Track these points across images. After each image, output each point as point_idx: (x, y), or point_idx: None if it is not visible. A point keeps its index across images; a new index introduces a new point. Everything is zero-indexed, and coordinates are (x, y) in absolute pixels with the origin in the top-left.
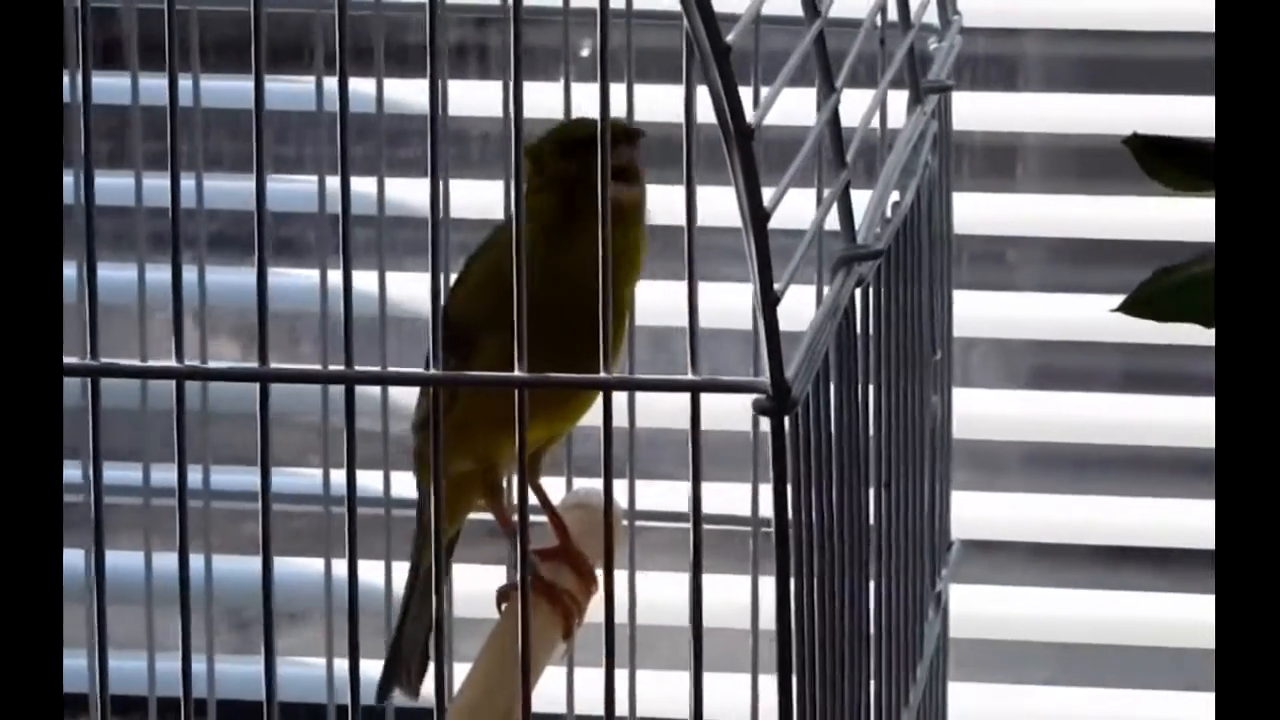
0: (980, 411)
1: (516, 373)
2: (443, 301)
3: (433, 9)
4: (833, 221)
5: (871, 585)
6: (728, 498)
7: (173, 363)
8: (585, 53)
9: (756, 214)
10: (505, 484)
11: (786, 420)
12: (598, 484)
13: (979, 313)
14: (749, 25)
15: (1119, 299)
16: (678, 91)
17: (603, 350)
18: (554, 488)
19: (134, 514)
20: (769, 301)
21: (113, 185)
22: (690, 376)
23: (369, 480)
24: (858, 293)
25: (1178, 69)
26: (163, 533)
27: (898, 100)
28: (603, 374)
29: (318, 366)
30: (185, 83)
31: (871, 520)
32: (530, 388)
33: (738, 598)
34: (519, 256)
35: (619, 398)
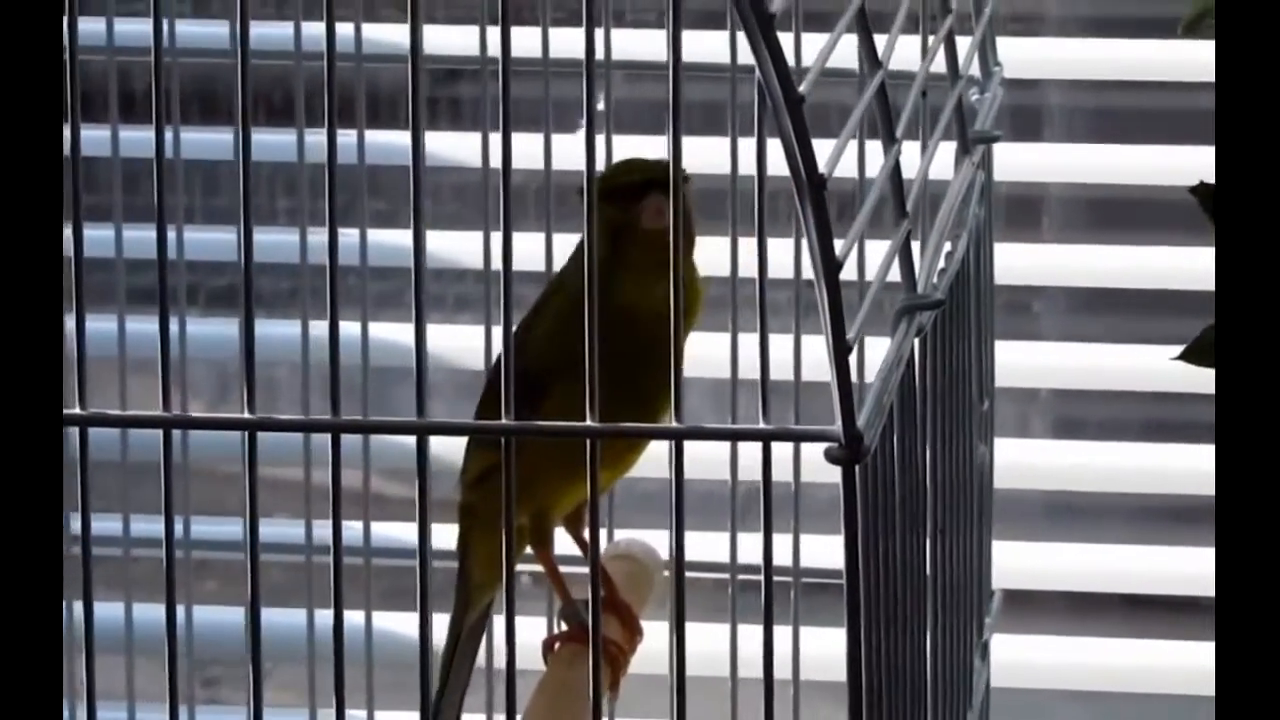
0: (1004, 461)
1: (589, 422)
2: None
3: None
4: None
5: (928, 635)
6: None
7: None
8: (601, 105)
9: (829, 264)
10: (554, 535)
11: (858, 469)
12: (639, 534)
13: (1003, 362)
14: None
15: (1145, 349)
16: (723, 144)
17: (675, 399)
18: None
19: (113, 566)
20: (841, 351)
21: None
22: (762, 426)
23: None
24: (916, 342)
25: (1201, 119)
26: (139, 584)
27: (940, 150)
28: (673, 423)
29: (389, 417)
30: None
31: (928, 569)
32: (602, 438)
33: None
34: (591, 303)
35: (661, 447)
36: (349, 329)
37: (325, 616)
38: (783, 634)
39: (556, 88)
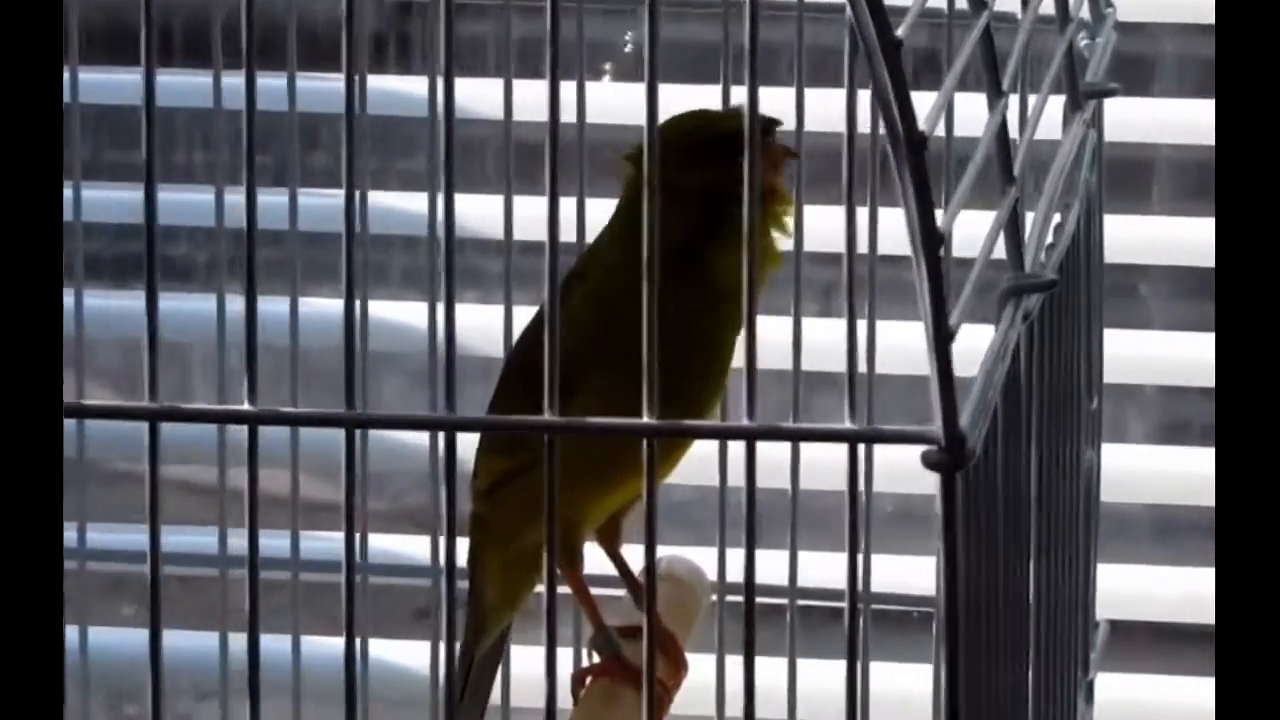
0: (1104, 468)
1: (645, 419)
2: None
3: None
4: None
5: (1030, 672)
6: (827, 566)
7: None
8: (629, 48)
9: (930, 239)
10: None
11: (959, 477)
12: (682, 551)
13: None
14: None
15: None
16: (782, 95)
17: (748, 392)
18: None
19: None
20: (943, 339)
21: None
22: (848, 425)
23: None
24: (1022, 329)
25: None
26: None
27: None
28: (745, 422)
29: (419, 411)
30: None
31: (1031, 595)
32: (661, 437)
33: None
34: (651, 281)
35: (705, 448)
36: (276, 306)
37: (312, 643)
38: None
39: (570, 27)
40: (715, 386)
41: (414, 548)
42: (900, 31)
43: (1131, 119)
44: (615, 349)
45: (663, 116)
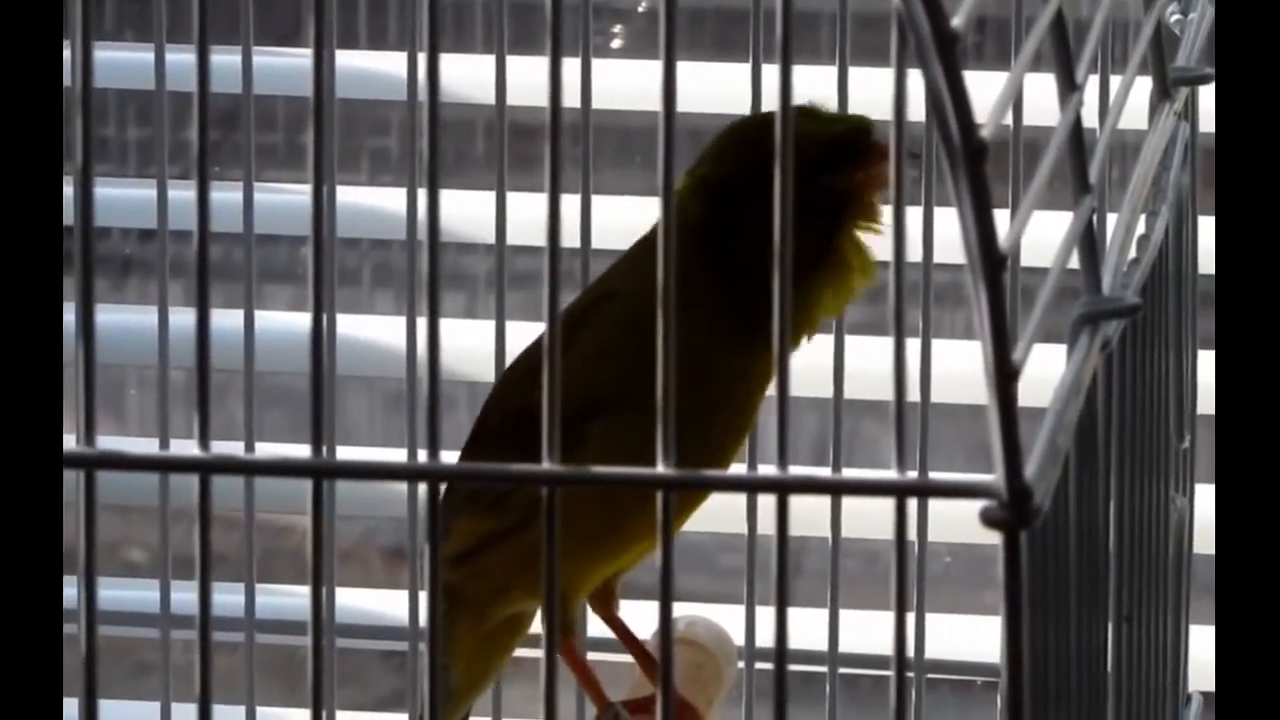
0: (1199, 516)
1: (660, 469)
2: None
3: None
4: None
5: None
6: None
7: (196, 450)
8: (643, 6)
9: (990, 256)
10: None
11: (1024, 535)
12: (702, 610)
13: (1203, 380)
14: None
15: None
16: (821, 75)
17: (780, 438)
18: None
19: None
20: (1005, 374)
21: None
22: (894, 476)
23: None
24: (1100, 361)
25: None
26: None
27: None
28: (775, 471)
29: (393, 444)
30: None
31: (1109, 665)
32: (679, 489)
33: None
34: (668, 304)
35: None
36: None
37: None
38: None
39: None
40: (742, 436)
41: (382, 602)
42: (957, 22)
43: None
44: (643, 389)
45: (682, 96)
